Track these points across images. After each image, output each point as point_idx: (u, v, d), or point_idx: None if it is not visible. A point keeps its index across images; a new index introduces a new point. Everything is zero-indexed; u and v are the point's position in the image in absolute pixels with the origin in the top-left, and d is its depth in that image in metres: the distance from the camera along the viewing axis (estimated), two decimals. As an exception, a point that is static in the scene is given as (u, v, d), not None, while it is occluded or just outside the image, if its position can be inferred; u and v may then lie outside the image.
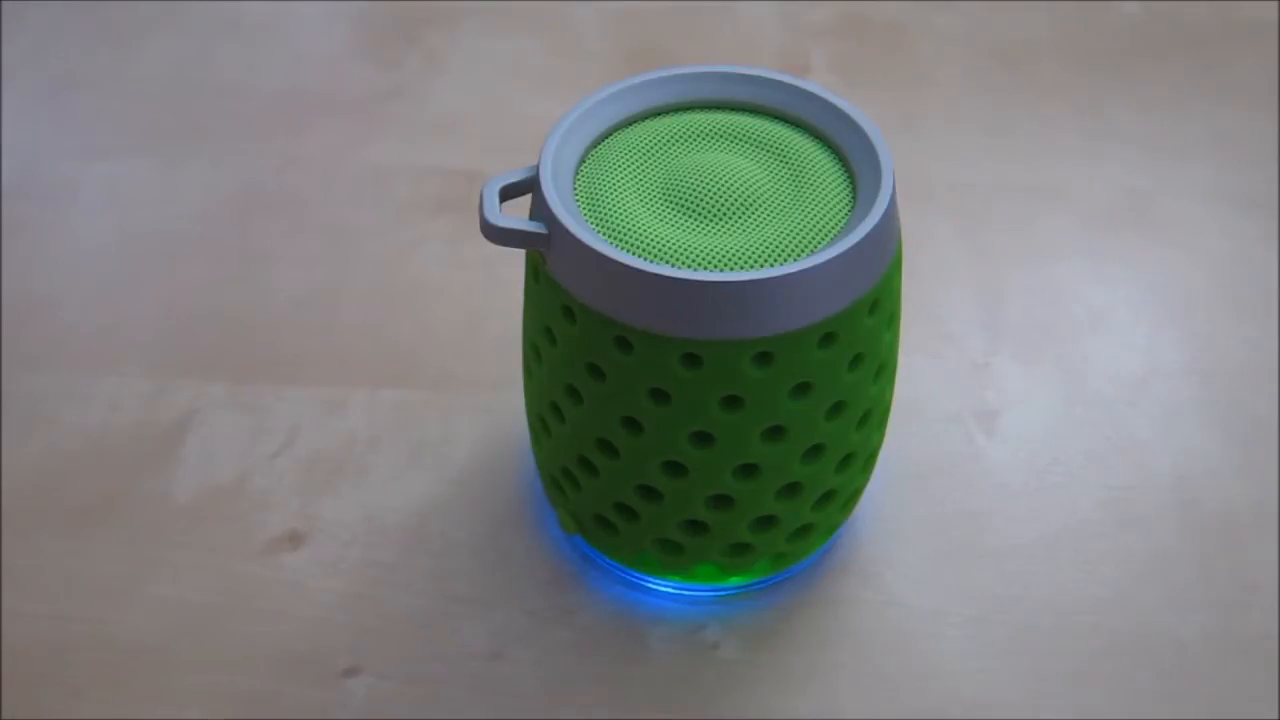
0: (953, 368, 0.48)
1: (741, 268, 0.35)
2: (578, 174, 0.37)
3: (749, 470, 0.37)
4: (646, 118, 0.39)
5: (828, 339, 0.35)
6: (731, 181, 0.37)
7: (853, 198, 0.37)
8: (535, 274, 0.37)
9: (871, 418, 0.39)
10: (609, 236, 0.36)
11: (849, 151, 0.38)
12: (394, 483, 0.45)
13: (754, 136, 0.38)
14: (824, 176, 0.37)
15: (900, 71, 0.61)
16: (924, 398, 0.47)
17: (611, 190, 0.37)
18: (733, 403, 0.36)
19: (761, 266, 0.35)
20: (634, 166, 0.38)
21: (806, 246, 0.35)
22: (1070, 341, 0.49)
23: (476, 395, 0.47)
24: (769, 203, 0.36)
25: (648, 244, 0.35)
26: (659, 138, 0.38)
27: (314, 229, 0.54)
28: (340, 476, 0.45)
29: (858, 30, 0.63)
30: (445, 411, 0.47)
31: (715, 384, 0.35)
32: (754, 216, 0.36)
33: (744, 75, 0.39)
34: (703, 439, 0.36)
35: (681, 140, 0.38)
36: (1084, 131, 0.58)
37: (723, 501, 0.38)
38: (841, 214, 0.36)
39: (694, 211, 0.36)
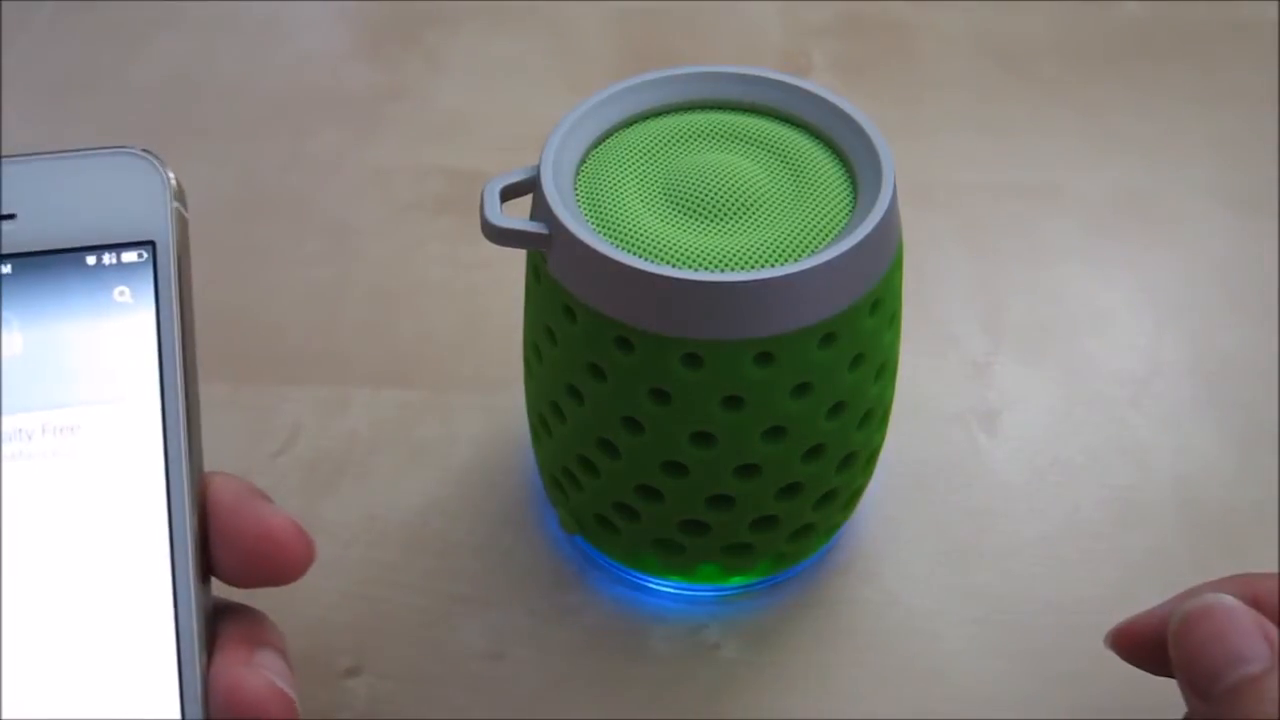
0: (954, 367, 0.48)
1: (742, 268, 0.35)
2: (578, 174, 0.37)
3: (749, 470, 0.37)
4: (647, 118, 0.39)
5: (828, 339, 0.35)
6: (732, 182, 0.37)
7: (853, 198, 0.37)
8: (536, 274, 0.37)
9: (872, 418, 0.39)
10: (610, 237, 0.36)
11: (849, 151, 0.37)
12: (395, 483, 0.45)
13: (754, 136, 0.38)
14: (824, 176, 0.37)
15: (900, 71, 0.61)
16: (925, 398, 0.47)
17: (612, 190, 0.37)
18: (733, 403, 0.36)
19: (762, 266, 0.35)
20: (635, 166, 0.37)
21: (807, 246, 0.35)
22: (1071, 341, 0.49)
23: (477, 395, 0.47)
24: (770, 203, 0.36)
25: (649, 244, 0.35)
26: (660, 138, 0.38)
27: (315, 229, 0.54)
28: (341, 476, 0.45)
29: (858, 30, 0.63)
30: (446, 411, 0.47)
31: (716, 384, 0.35)
32: (755, 216, 0.36)
33: (744, 75, 0.39)
34: (703, 439, 0.36)
35: (682, 140, 0.38)
36: (1084, 131, 0.58)
37: (723, 501, 0.38)
38: (842, 214, 0.36)
39: (695, 211, 0.36)
